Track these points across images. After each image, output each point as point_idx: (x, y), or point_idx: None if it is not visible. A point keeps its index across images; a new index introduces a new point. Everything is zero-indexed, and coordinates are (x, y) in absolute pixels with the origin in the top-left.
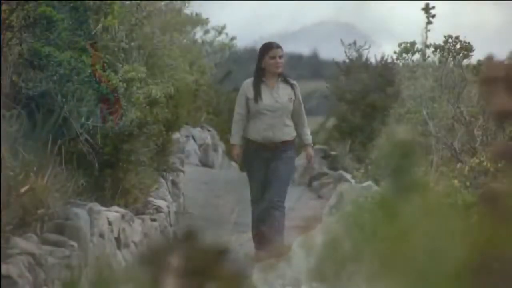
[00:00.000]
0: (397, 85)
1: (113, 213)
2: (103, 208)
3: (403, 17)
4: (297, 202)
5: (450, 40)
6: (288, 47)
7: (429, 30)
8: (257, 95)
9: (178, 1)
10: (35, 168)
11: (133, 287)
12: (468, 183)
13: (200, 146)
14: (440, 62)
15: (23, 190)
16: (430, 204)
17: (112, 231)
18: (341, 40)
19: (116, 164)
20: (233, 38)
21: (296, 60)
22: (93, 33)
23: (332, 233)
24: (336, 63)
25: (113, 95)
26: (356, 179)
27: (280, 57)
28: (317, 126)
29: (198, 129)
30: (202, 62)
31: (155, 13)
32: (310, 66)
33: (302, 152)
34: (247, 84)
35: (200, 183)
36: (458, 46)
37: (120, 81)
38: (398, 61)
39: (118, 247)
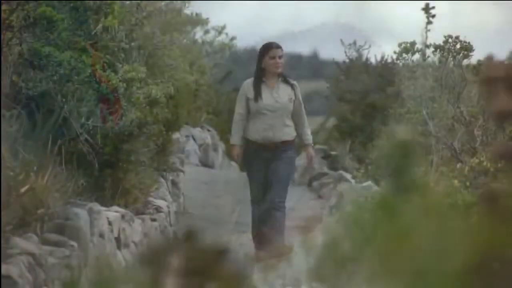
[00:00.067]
0: (397, 85)
1: (113, 213)
2: (103, 208)
3: (403, 17)
4: (297, 202)
5: (450, 40)
6: (288, 47)
7: (429, 30)
8: (257, 95)
9: (178, 1)
10: (35, 168)
11: (133, 287)
12: (468, 183)
13: (200, 146)
14: (440, 62)
15: (23, 190)
16: (430, 204)
17: (112, 231)
18: (341, 40)
19: (116, 164)
20: (233, 38)
21: (296, 60)
22: (93, 33)
23: (332, 233)
24: (336, 63)
25: (113, 95)
26: (356, 179)
27: (280, 57)
28: (317, 126)
29: (198, 129)
30: (202, 62)
31: (155, 13)
32: (310, 66)
33: (302, 152)
34: (247, 84)
35: (200, 183)
36: (458, 46)
37: (120, 81)
38: (398, 61)
39: (118, 247)
